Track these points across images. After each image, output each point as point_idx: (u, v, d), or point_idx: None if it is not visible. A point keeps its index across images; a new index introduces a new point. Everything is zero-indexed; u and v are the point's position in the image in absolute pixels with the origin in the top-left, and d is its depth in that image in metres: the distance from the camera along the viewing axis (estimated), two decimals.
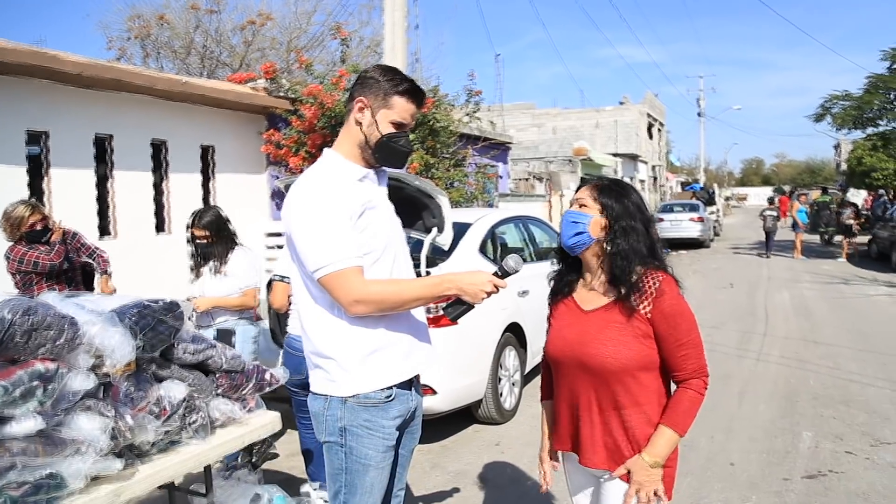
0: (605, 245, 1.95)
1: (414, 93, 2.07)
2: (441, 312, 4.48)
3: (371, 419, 2.00)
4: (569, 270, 2.10)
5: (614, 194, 1.98)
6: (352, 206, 1.95)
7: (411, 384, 2.14)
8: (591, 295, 2.02)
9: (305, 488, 3.54)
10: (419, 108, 2.14)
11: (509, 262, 2.05)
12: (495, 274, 2.04)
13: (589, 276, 2.04)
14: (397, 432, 2.09)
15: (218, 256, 4.20)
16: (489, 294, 2.00)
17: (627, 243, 1.92)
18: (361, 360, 1.99)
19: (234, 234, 4.37)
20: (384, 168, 2.19)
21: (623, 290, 1.92)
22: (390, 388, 2.03)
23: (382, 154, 2.06)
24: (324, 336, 2.02)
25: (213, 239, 4.21)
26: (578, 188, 2.08)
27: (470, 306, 2.04)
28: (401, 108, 2.05)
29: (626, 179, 29.03)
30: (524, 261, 6.70)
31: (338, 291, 1.90)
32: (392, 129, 2.05)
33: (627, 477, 1.93)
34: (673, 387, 1.98)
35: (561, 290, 2.11)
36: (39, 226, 4.27)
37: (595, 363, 1.92)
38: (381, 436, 2.02)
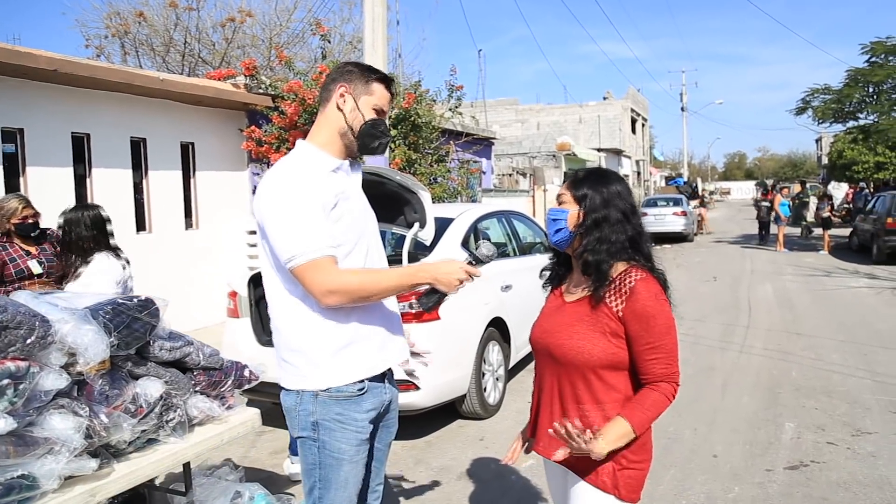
0: (578, 237, 1.92)
1: (388, 81, 2.12)
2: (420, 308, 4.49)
3: (343, 412, 1.98)
4: (561, 262, 2.09)
5: (589, 184, 1.93)
6: (325, 196, 1.93)
7: (384, 377, 2.13)
8: (572, 286, 2.01)
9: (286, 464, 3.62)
10: (393, 99, 2.17)
11: (482, 250, 2.05)
12: (468, 262, 2.03)
13: (575, 268, 2.03)
14: (371, 425, 2.07)
15: (76, 260, 3.65)
16: (463, 283, 1.99)
17: (597, 234, 1.87)
18: (333, 353, 1.97)
19: (108, 237, 3.79)
20: (359, 160, 2.18)
21: (593, 284, 1.88)
22: (362, 381, 2.01)
23: (364, 139, 2.05)
24: (295, 329, 1.99)
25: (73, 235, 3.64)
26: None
27: (444, 295, 2.02)
28: (380, 94, 2.08)
29: None
30: (507, 256, 6.71)
31: (310, 282, 1.87)
32: (374, 115, 2.06)
33: (584, 474, 1.87)
34: None
35: (551, 279, 2.11)
36: (31, 220, 4.19)
37: (559, 354, 1.91)
38: (353, 429, 2.00)
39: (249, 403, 3.96)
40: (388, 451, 2.28)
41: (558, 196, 1.99)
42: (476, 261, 2.04)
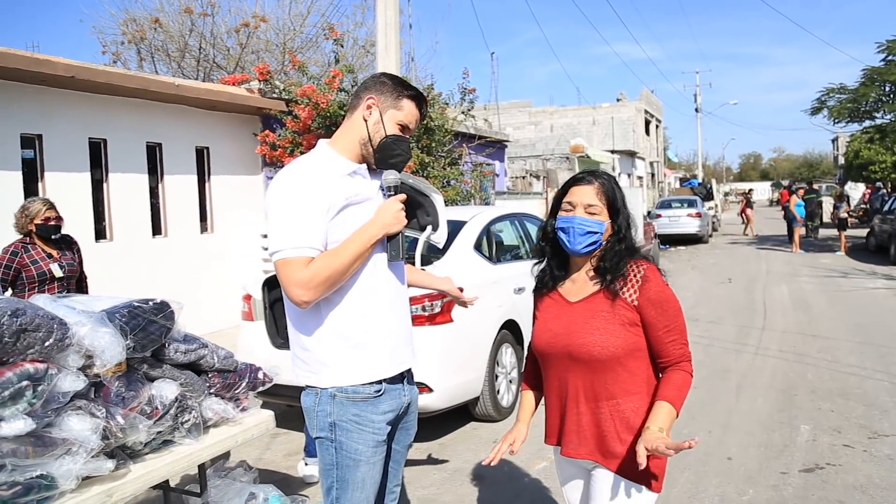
0: (607, 243, 1.98)
1: (420, 99, 2.14)
2: (437, 310, 4.50)
3: (360, 414, 2.00)
4: (552, 264, 2.10)
5: (617, 194, 1.99)
6: (332, 198, 1.95)
7: (403, 378, 2.14)
8: (576, 287, 2.02)
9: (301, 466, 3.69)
10: (422, 118, 2.19)
11: (388, 178, 2.07)
12: (388, 195, 2.07)
13: (574, 270, 2.05)
14: (388, 427, 2.08)
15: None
16: (403, 208, 2.02)
17: (628, 242, 1.96)
18: (341, 353, 1.99)
19: None
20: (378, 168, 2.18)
21: (609, 279, 1.93)
22: (379, 382, 2.03)
23: (382, 154, 2.07)
24: (305, 327, 2.01)
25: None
26: (569, 186, 2.04)
27: (400, 235, 2.05)
28: (408, 110, 2.10)
29: (624, 176, 29.11)
30: (520, 258, 6.69)
31: (283, 278, 1.90)
32: (397, 131, 2.08)
33: (617, 466, 1.91)
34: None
35: (546, 283, 2.11)
36: (52, 222, 4.27)
37: (583, 353, 1.92)
38: (370, 430, 2.01)
39: (264, 405, 4.00)
40: (407, 452, 2.29)
41: (588, 206, 1.96)
42: (391, 191, 2.07)
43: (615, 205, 1.98)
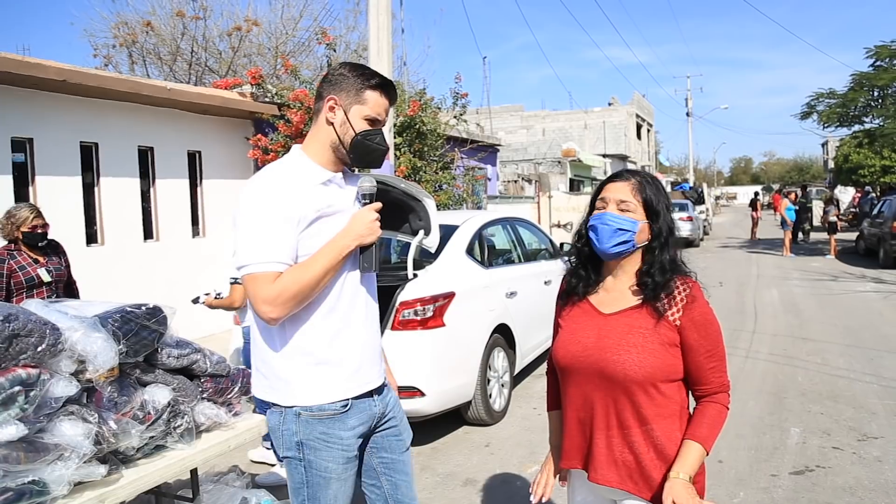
0: (647, 250, 1.82)
1: (386, 87, 2.00)
2: (429, 314, 4.50)
3: (327, 431, 1.93)
4: (589, 269, 1.92)
5: (653, 191, 1.82)
6: (302, 209, 1.86)
7: (371, 392, 2.04)
8: (611, 297, 1.86)
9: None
10: (392, 103, 2.05)
11: (364, 185, 1.98)
12: (364, 205, 1.98)
13: (611, 279, 1.87)
14: (359, 440, 2.01)
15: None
16: (377, 219, 1.94)
17: (672, 253, 1.81)
18: (304, 370, 1.92)
19: None
20: (354, 171, 2.12)
21: (654, 294, 1.78)
22: (347, 399, 1.95)
23: (357, 153, 1.97)
24: (268, 342, 1.94)
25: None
26: (604, 183, 1.89)
27: (374, 245, 1.96)
28: (374, 102, 1.96)
29: None
30: (512, 262, 6.70)
31: (250, 294, 1.82)
32: (366, 126, 1.96)
33: (652, 496, 1.77)
34: (692, 401, 1.85)
35: (576, 290, 1.92)
36: (40, 230, 4.25)
37: (617, 371, 1.76)
38: (339, 448, 1.95)
39: (256, 410, 4.00)
40: (409, 460, 2.21)
41: (617, 201, 1.81)
42: (367, 199, 1.98)
43: (653, 206, 1.81)
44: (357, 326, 1.99)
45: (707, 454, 1.77)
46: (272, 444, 2.03)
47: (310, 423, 1.92)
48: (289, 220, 1.84)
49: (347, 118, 1.95)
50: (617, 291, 1.86)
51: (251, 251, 1.82)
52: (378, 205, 1.97)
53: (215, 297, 4.34)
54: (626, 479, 1.79)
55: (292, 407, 1.92)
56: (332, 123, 1.96)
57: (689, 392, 1.86)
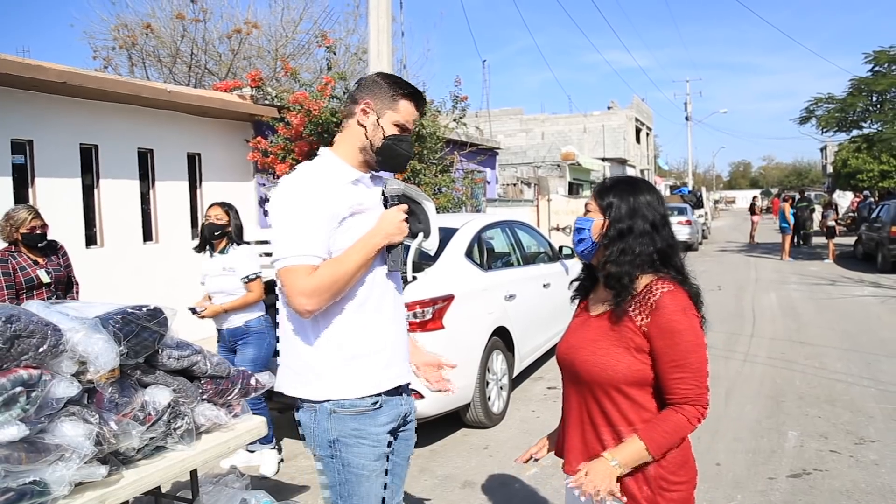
0: (605, 248, 1.85)
1: (417, 97, 2.10)
2: (428, 316, 4.51)
3: (360, 427, 1.97)
4: (589, 274, 2.00)
5: (616, 193, 1.85)
6: (336, 207, 1.94)
7: (399, 390, 2.10)
8: (598, 299, 1.93)
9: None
10: (420, 114, 2.15)
11: (392, 187, 2.07)
12: (389, 207, 2.06)
13: (599, 281, 1.94)
14: (388, 438, 2.05)
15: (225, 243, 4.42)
16: (407, 219, 2.03)
17: (621, 245, 1.80)
18: (338, 365, 1.96)
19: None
20: (380, 173, 2.18)
21: (617, 296, 1.80)
22: (377, 395, 2.00)
23: (384, 156, 2.05)
24: (301, 337, 1.99)
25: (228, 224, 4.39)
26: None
27: (402, 246, 2.04)
28: (405, 110, 2.06)
29: None
30: (511, 265, 6.71)
31: (286, 286, 1.88)
32: (396, 132, 2.05)
33: (625, 496, 1.77)
34: None
35: (579, 291, 2.03)
36: (38, 231, 4.26)
37: (583, 370, 1.82)
38: (372, 443, 1.99)
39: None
40: (407, 465, 2.24)
41: (586, 205, 1.92)
42: (394, 201, 2.06)
43: (604, 202, 1.85)
44: (386, 321, 2.06)
45: (651, 458, 1.74)
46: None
47: (342, 419, 1.96)
48: (323, 216, 1.91)
49: (379, 122, 2.04)
50: (602, 292, 1.91)
51: (287, 245, 1.89)
52: (405, 206, 2.05)
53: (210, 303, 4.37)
54: None
55: (324, 402, 1.97)
56: (363, 126, 2.05)
57: None
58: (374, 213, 2.05)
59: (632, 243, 1.80)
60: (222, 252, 4.40)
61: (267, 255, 4.91)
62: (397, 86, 2.07)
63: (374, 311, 2.01)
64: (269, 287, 4.22)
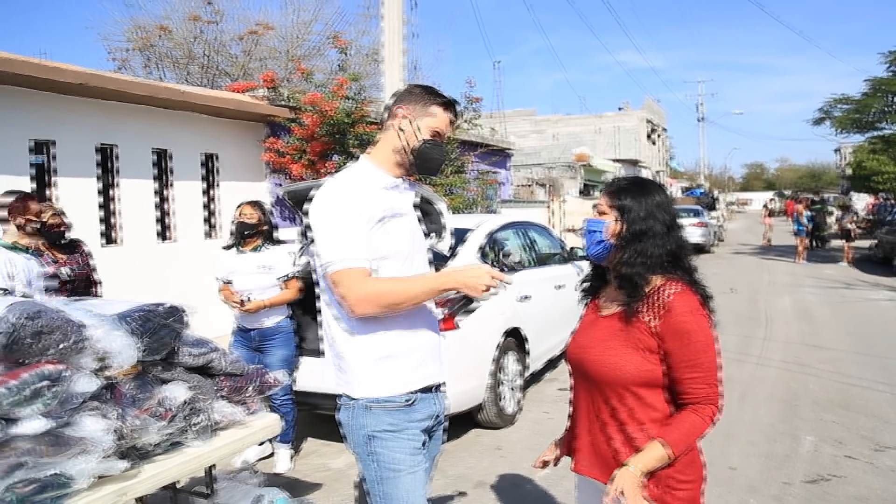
0: (619, 249, 1.86)
1: (453, 106, 2.16)
2: (441, 317, 4.53)
3: (395, 423, 2.01)
4: (597, 274, 2.03)
5: (630, 194, 1.86)
6: (374, 210, 1.98)
7: (433, 389, 2.13)
8: (608, 299, 1.95)
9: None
10: (454, 125, 2.19)
11: (509, 257, 2.08)
12: (492, 265, 2.06)
13: (610, 281, 1.95)
14: (423, 435, 2.08)
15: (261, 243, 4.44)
16: (489, 287, 1.98)
17: (636, 247, 1.81)
18: (371, 363, 2.01)
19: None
20: (412, 180, 2.22)
21: (629, 297, 1.82)
22: (412, 392, 2.04)
23: (420, 159, 2.10)
24: (339, 338, 2.05)
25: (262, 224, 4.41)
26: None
27: (474, 303, 2.04)
28: (440, 117, 2.12)
29: None
30: (524, 266, 6.71)
31: (342, 290, 1.92)
32: (431, 136, 2.10)
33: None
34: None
35: (587, 292, 2.05)
36: (56, 228, 4.31)
37: (593, 370, 1.85)
38: (406, 438, 2.02)
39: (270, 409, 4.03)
40: (434, 465, 2.25)
41: (597, 206, 1.92)
42: (503, 268, 2.04)
43: (619, 203, 1.85)
44: (421, 322, 2.10)
45: (671, 459, 1.76)
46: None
47: (378, 415, 2.01)
48: (361, 219, 1.96)
49: (415, 127, 2.09)
50: (612, 293, 1.93)
51: (338, 250, 1.93)
52: (504, 277, 2.01)
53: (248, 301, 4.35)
54: (608, 473, 1.81)
55: (360, 399, 2.01)
56: (399, 130, 2.09)
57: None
58: (409, 217, 2.11)
59: (646, 245, 1.81)
60: (256, 250, 4.40)
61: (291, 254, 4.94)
62: (434, 94, 2.13)
63: (410, 311, 2.04)
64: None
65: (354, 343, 2.02)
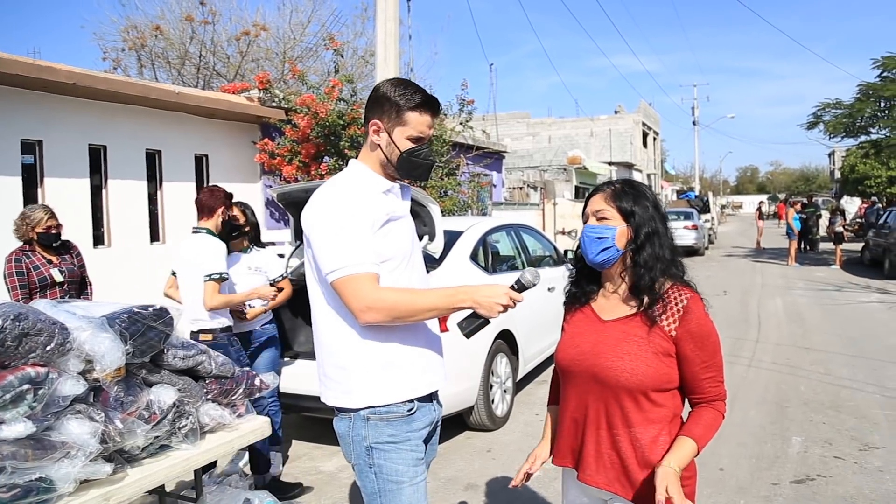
0: (629, 254, 1.84)
1: (428, 104, 2.04)
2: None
3: (396, 433, 1.97)
4: (586, 278, 1.98)
5: (632, 198, 1.85)
6: (375, 214, 1.94)
7: (431, 396, 2.11)
8: (610, 304, 1.90)
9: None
10: (435, 118, 2.09)
11: (526, 276, 1.96)
12: (512, 287, 1.95)
13: (610, 285, 1.92)
14: (424, 445, 2.05)
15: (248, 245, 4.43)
16: (505, 308, 1.92)
17: (652, 250, 1.82)
18: (374, 372, 1.96)
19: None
20: (407, 184, 2.19)
21: (647, 302, 1.81)
22: (411, 400, 1.99)
23: (405, 169, 2.05)
24: (339, 345, 1.98)
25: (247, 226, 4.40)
26: (589, 197, 1.94)
27: (485, 321, 1.97)
28: (416, 122, 2.01)
29: None
30: (516, 269, 6.70)
31: (350, 296, 1.87)
32: (410, 145, 2.03)
33: (635, 497, 1.80)
34: (687, 408, 1.87)
35: (578, 298, 1.99)
36: (54, 231, 4.31)
37: (609, 377, 1.81)
38: (408, 448, 1.98)
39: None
40: (427, 471, 2.21)
41: (596, 212, 1.88)
42: (520, 287, 1.95)
43: (628, 208, 1.84)
44: (422, 328, 2.06)
45: (698, 454, 1.79)
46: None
47: (378, 426, 1.96)
48: (366, 223, 1.92)
49: (392, 140, 2.02)
50: (615, 298, 1.90)
51: (344, 255, 1.88)
52: (520, 297, 1.95)
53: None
54: (613, 481, 1.83)
55: (360, 410, 1.96)
56: (378, 145, 2.04)
57: (686, 399, 1.88)
58: (407, 220, 2.09)
59: (657, 247, 1.83)
60: (244, 251, 4.39)
61: (281, 256, 4.92)
62: (405, 97, 2.00)
63: None
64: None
65: (360, 350, 1.95)
